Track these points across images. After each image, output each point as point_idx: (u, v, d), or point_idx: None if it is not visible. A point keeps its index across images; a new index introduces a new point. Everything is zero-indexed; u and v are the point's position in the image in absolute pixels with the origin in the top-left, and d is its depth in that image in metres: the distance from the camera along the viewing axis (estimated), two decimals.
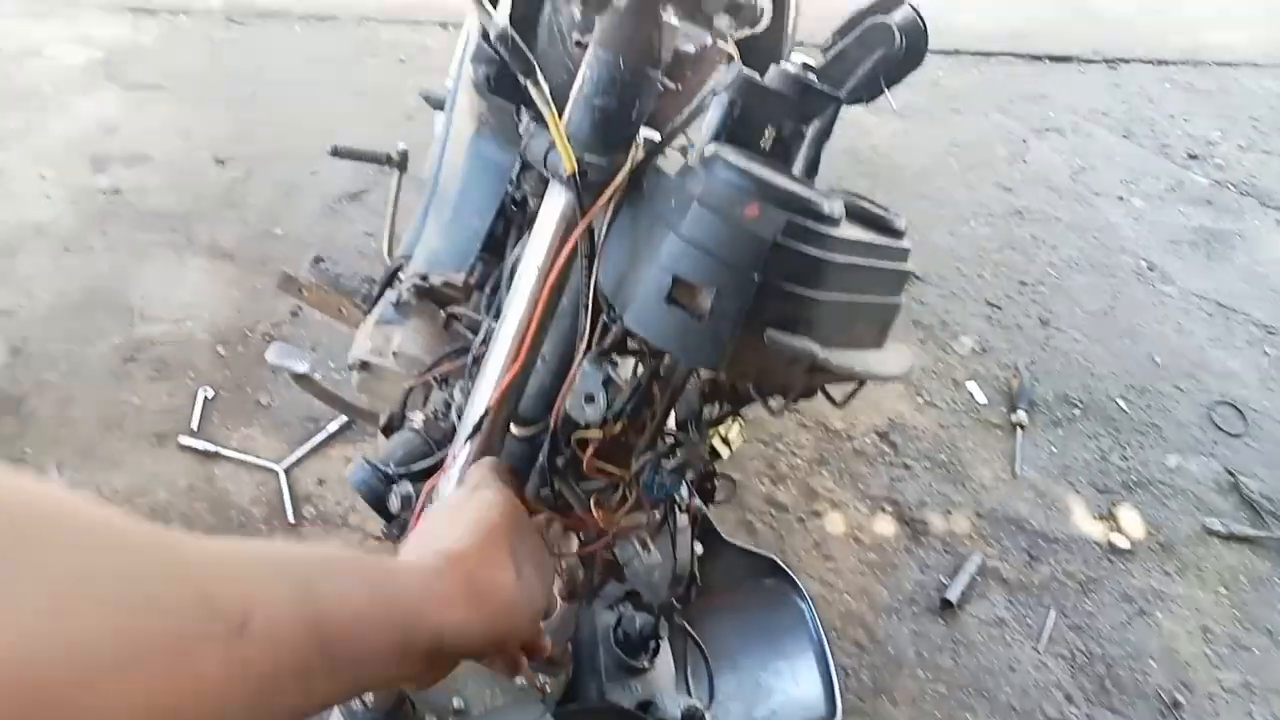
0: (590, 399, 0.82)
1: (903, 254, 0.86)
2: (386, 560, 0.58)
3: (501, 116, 1.63)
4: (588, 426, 0.82)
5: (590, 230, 0.81)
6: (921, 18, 1.00)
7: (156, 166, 2.87)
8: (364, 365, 1.51)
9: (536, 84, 0.78)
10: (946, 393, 2.80)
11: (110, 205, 2.72)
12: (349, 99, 3.23)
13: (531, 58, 0.78)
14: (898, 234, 0.85)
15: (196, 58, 3.34)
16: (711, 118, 0.93)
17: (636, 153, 0.79)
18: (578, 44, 0.93)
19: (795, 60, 0.95)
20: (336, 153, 1.91)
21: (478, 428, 0.89)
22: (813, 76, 0.93)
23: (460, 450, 0.90)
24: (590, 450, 0.82)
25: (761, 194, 0.70)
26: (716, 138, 0.97)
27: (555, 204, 0.85)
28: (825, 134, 1.10)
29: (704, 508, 1.22)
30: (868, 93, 1.07)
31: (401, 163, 1.93)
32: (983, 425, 2.71)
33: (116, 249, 2.60)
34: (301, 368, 1.60)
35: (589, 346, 0.83)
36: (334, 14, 3.50)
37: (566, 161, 0.80)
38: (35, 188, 2.74)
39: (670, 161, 0.85)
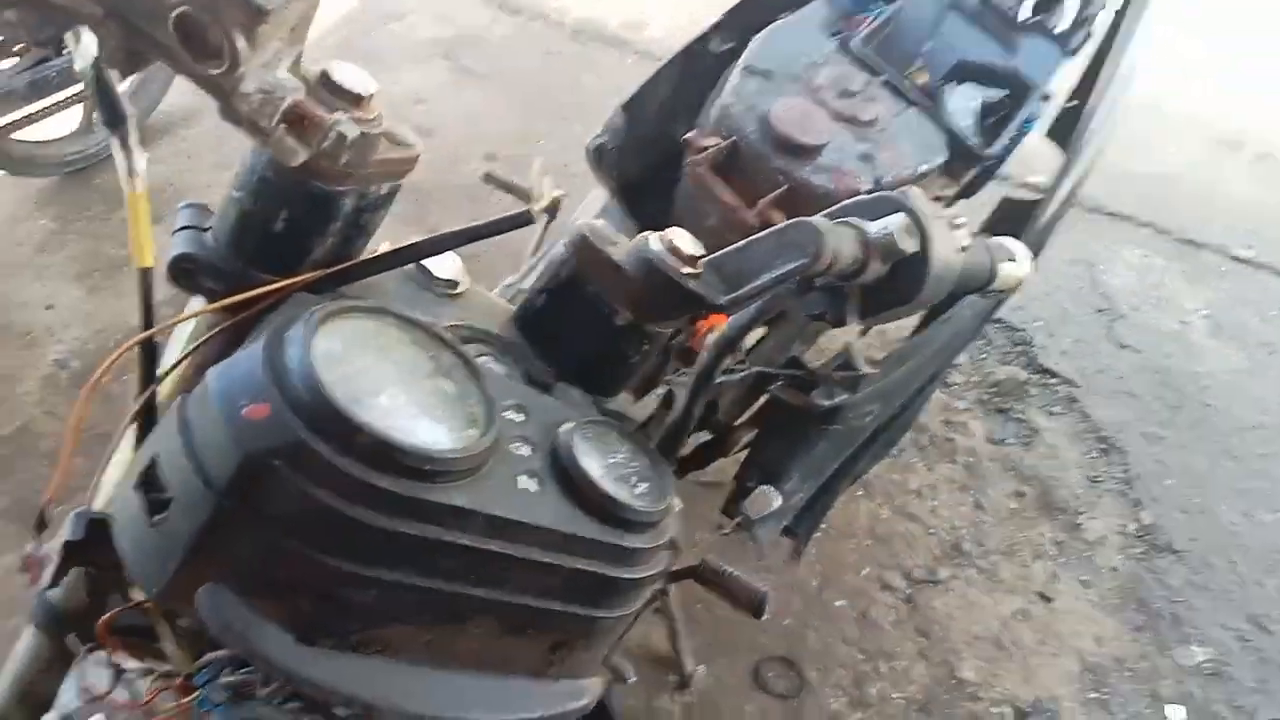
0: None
1: (621, 554, 0.57)
2: None
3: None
4: None
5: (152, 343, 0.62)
6: (919, 233, 0.69)
7: (431, 147, 3.02)
8: None
9: (123, 143, 0.60)
10: (1136, 704, 2.18)
11: None
12: None
13: (122, 109, 0.60)
14: (628, 526, 0.57)
15: (528, 60, 3.49)
16: (532, 271, 0.71)
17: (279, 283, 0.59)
18: None
19: (676, 238, 0.70)
20: (489, 179, 1.84)
21: None
22: (684, 268, 0.68)
23: None
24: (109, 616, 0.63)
25: (287, 393, 0.48)
26: (530, 303, 0.74)
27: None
28: (725, 346, 0.81)
29: None
30: (829, 312, 0.78)
31: (551, 209, 1.81)
32: None
33: None
34: None
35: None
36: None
37: (134, 252, 0.61)
38: None
39: None
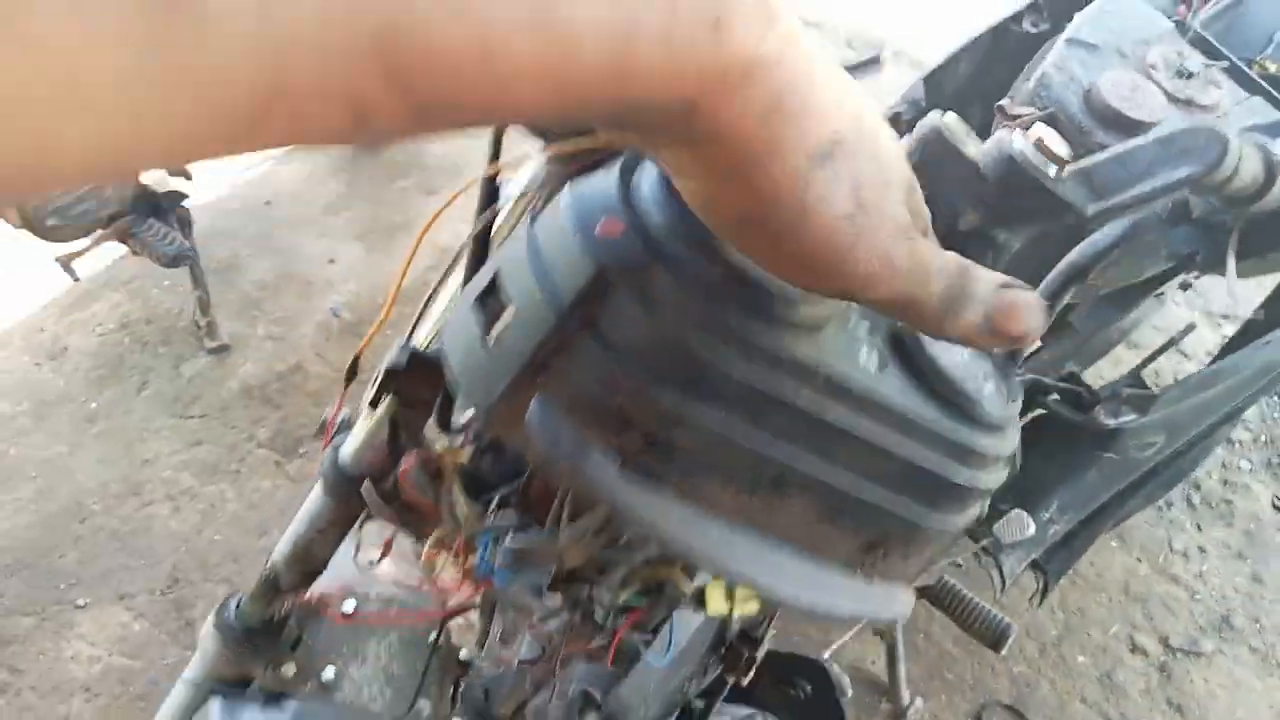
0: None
1: (964, 453, 0.51)
2: None
3: None
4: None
5: (494, 192, 0.60)
6: None
7: None
8: None
9: None
10: None
11: None
12: None
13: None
14: (975, 422, 0.50)
15: None
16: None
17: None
18: None
19: (1045, 136, 0.62)
20: None
21: None
22: (1050, 166, 0.60)
23: None
24: (407, 462, 0.62)
25: (640, 216, 0.45)
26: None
27: None
28: (1078, 271, 0.72)
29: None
30: (1201, 250, 0.68)
31: None
32: None
33: None
34: None
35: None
36: None
37: None
38: None
39: None
